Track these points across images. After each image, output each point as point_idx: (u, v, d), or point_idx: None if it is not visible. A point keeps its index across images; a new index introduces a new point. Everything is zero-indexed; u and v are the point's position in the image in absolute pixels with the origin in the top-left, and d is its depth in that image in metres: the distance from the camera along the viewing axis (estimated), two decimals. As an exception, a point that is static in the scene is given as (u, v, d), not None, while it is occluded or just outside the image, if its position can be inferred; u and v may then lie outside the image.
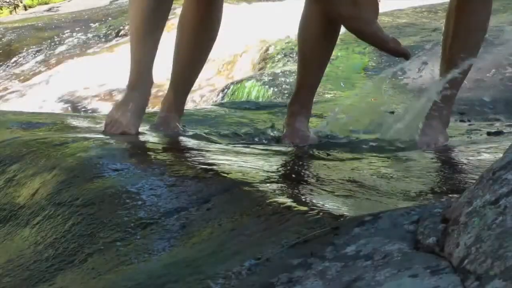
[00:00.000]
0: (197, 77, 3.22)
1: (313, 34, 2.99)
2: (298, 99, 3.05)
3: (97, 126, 3.18)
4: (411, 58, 2.99)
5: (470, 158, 2.61)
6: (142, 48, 2.98)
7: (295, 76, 3.15)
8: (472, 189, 1.56)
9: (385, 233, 1.58)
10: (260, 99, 6.01)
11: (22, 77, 8.78)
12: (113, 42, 8.96)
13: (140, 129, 3.08)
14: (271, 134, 3.13)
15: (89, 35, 9.47)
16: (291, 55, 6.74)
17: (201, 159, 2.52)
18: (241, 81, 6.61)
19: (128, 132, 2.88)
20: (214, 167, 2.37)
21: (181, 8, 3.17)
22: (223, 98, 6.55)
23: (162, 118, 3.17)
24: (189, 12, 3.11)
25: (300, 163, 2.61)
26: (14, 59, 9.24)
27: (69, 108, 7.75)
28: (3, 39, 9.65)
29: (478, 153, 2.70)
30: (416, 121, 2.97)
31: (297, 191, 2.10)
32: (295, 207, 1.86)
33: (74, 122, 3.25)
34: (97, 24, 9.79)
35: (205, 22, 3.10)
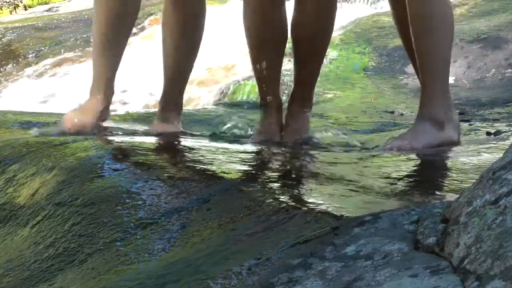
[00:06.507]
0: (191, 70, 3.19)
1: (306, 30, 2.98)
2: (297, 99, 3.04)
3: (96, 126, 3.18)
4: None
5: (470, 158, 2.60)
6: (104, 58, 3.05)
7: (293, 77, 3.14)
8: (472, 189, 1.56)
9: (385, 233, 1.58)
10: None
11: (22, 77, 8.78)
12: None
13: (141, 129, 3.08)
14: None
15: (89, 35, 9.48)
16: (290, 55, 6.75)
17: (201, 159, 2.52)
18: (240, 81, 6.61)
19: (84, 130, 2.93)
20: (214, 167, 2.38)
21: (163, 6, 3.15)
22: (223, 98, 6.55)
23: (162, 117, 3.15)
24: (172, 5, 3.08)
25: (300, 163, 2.61)
26: (14, 59, 9.24)
27: (69, 108, 7.74)
28: (3, 39, 9.65)
29: (478, 153, 2.70)
30: None
31: (297, 191, 2.10)
32: (295, 207, 1.86)
33: (74, 122, 3.24)
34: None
35: (189, 14, 3.08)
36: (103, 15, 3.03)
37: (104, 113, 3.02)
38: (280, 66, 3.07)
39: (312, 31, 2.98)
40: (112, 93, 3.06)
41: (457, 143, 2.85)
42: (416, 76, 3.12)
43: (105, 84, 3.03)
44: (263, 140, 2.99)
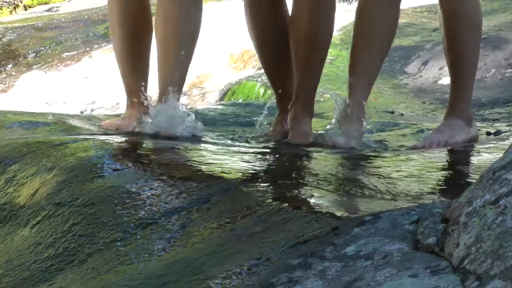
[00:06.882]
0: (189, 65, 3.13)
1: (303, 32, 2.97)
2: (299, 101, 3.02)
3: (97, 126, 3.18)
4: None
5: (470, 158, 2.61)
6: (128, 74, 3.16)
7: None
8: (472, 189, 1.56)
9: (385, 233, 1.58)
10: (260, 99, 6.01)
11: (22, 77, 8.79)
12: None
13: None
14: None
15: (89, 35, 9.48)
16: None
17: (201, 159, 2.52)
18: (241, 81, 6.61)
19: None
20: (214, 167, 2.37)
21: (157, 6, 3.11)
22: (223, 98, 6.55)
23: (167, 118, 3.08)
24: (169, 2, 3.05)
25: (300, 163, 2.61)
26: (14, 59, 9.24)
27: (69, 108, 7.75)
28: (3, 39, 9.65)
29: (478, 153, 2.70)
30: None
31: (297, 191, 2.10)
32: (295, 207, 1.86)
33: (74, 122, 3.24)
34: (97, 24, 9.79)
35: (188, 9, 3.04)
36: (119, 34, 3.13)
37: (141, 122, 3.09)
38: (288, 62, 3.09)
39: (309, 31, 2.98)
40: (147, 101, 3.14)
41: (476, 138, 2.97)
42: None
43: (136, 97, 3.13)
44: (270, 139, 3.03)
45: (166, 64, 3.01)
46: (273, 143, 2.98)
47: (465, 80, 2.97)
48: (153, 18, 3.11)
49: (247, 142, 2.99)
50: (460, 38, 2.91)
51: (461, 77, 2.96)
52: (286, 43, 3.07)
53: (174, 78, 2.99)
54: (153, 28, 3.11)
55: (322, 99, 4.89)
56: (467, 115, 2.96)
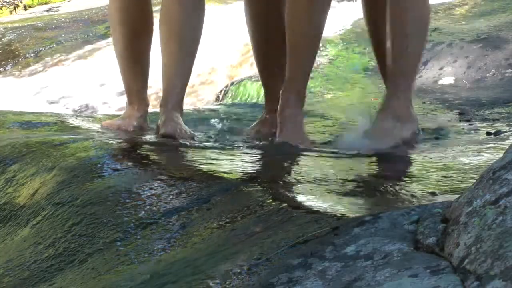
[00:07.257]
0: (192, 67, 3.14)
1: (300, 13, 2.98)
2: (288, 90, 3.00)
3: (97, 126, 3.19)
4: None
5: (470, 158, 2.60)
6: (128, 74, 3.18)
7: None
8: (472, 189, 1.56)
9: (385, 233, 1.59)
10: (260, 99, 6.00)
11: (22, 77, 8.78)
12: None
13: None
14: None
15: (89, 35, 9.48)
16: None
17: (201, 159, 2.52)
18: (241, 81, 6.61)
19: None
20: (214, 167, 2.38)
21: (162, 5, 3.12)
22: (223, 98, 6.55)
23: (168, 121, 3.06)
24: (173, 5, 3.05)
25: (300, 163, 2.61)
26: (14, 59, 9.24)
27: (69, 108, 7.74)
28: (3, 39, 9.65)
29: (478, 153, 2.70)
30: None
31: (297, 191, 2.10)
32: (295, 207, 1.86)
33: (74, 122, 3.25)
34: (97, 24, 9.79)
35: (190, 11, 3.05)
36: (120, 34, 3.16)
37: (141, 121, 3.12)
38: (282, 63, 3.09)
39: (304, 25, 2.98)
40: (146, 104, 3.18)
41: (410, 140, 2.88)
42: (416, 77, 3.13)
43: (135, 97, 3.17)
44: (256, 137, 3.04)
45: (169, 65, 3.01)
46: (272, 143, 2.98)
47: (404, 78, 2.93)
48: (156, 19, 3.12)
49: (242, 143, 2.99)
50: (403, 38, 2.91)
51: (401, 76, 2.93)
52: (282, 43, 3.09)
53: (176, 84, 3.00)
54: (154, 29, 3.12)
55: (322, 99, 4.90)
56: (400, 113, 2.88)
